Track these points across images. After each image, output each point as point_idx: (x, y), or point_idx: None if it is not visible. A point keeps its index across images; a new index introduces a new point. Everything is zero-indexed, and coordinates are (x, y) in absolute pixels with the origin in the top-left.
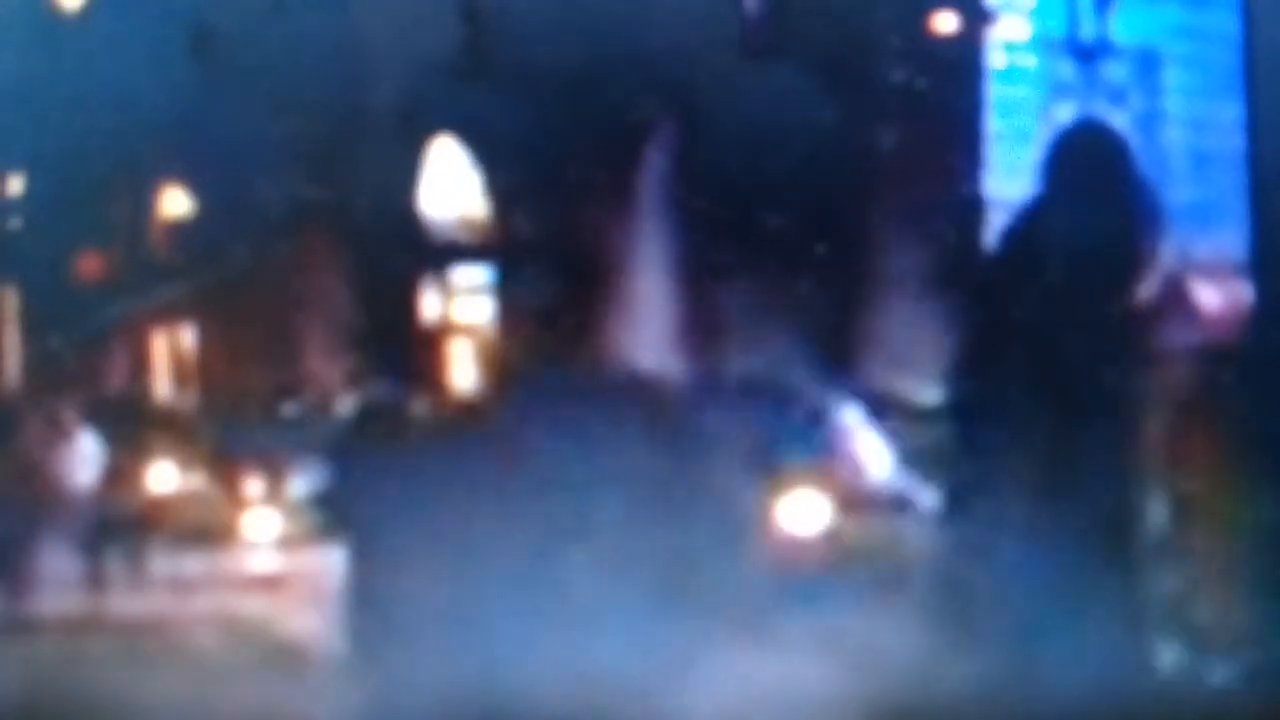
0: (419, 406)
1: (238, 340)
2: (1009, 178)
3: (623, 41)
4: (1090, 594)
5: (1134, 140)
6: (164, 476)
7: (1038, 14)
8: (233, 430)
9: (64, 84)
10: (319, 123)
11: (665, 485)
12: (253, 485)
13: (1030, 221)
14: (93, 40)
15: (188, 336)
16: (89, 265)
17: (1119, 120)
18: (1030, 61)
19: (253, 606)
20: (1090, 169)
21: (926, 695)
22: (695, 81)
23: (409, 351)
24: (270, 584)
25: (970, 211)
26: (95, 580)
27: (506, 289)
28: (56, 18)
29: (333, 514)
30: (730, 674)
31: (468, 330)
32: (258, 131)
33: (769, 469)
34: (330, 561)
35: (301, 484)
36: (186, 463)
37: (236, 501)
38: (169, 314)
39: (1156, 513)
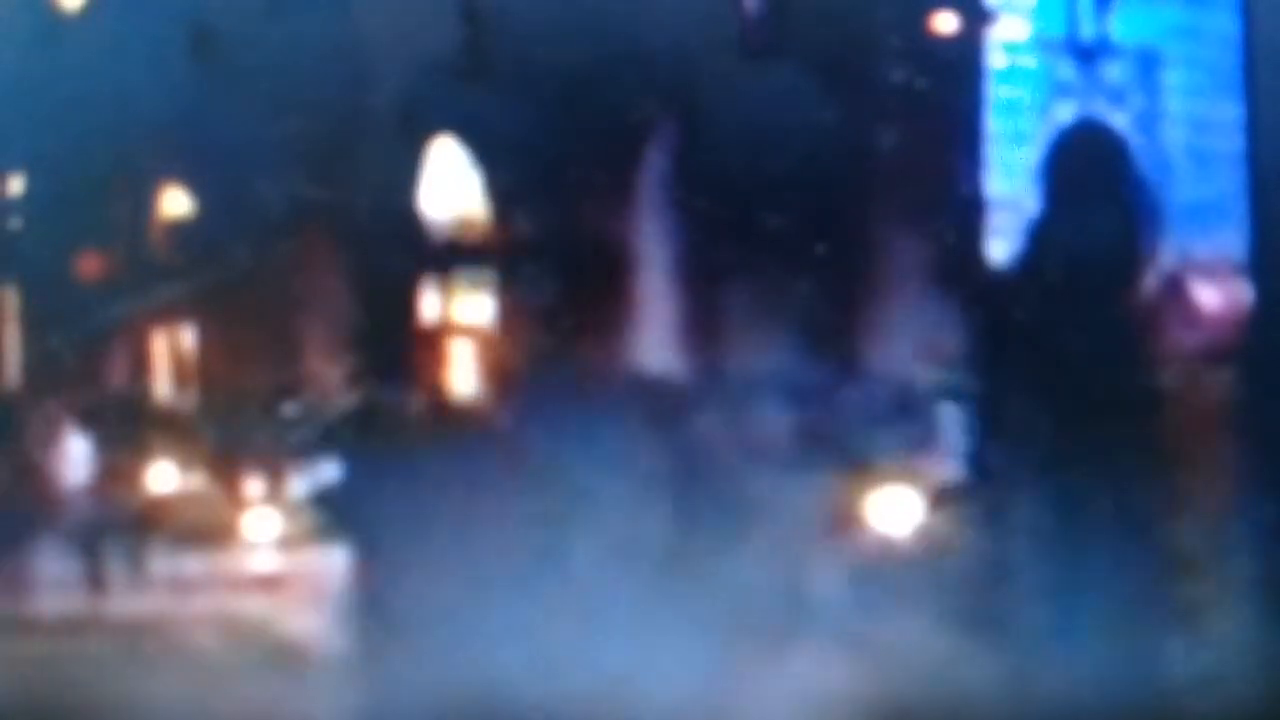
0: (418, 406)
1: (238, 340)
2: (1009, 178)
3: (623, 41)
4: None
5: (1134, 140)
6: (164, 476)
7: (1038, 14)
8: (233, 430)
9: (64, 84)
10: (319, 123)
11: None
12: (253, 485)
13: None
14: (93, 40)
15: (188, 336)
16: (89, 265)
17: (1119, 120)
18: (1030, 62)
19: (253, 606)
20: (1090, 169)
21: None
22: (695, 81)
23: (409, 351)
24: (270, 584)
25: (970, 211)
26: (95, 580)
27: (506, 289)
28: (56, 18)
29: (333, 514)
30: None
31: (468, 330)
32: (258, 131)
33: (857, 464)
34: (330, 561)
35: (302, 484)
36: (186, 463)
37: (236, 501)
38: (169, 314)
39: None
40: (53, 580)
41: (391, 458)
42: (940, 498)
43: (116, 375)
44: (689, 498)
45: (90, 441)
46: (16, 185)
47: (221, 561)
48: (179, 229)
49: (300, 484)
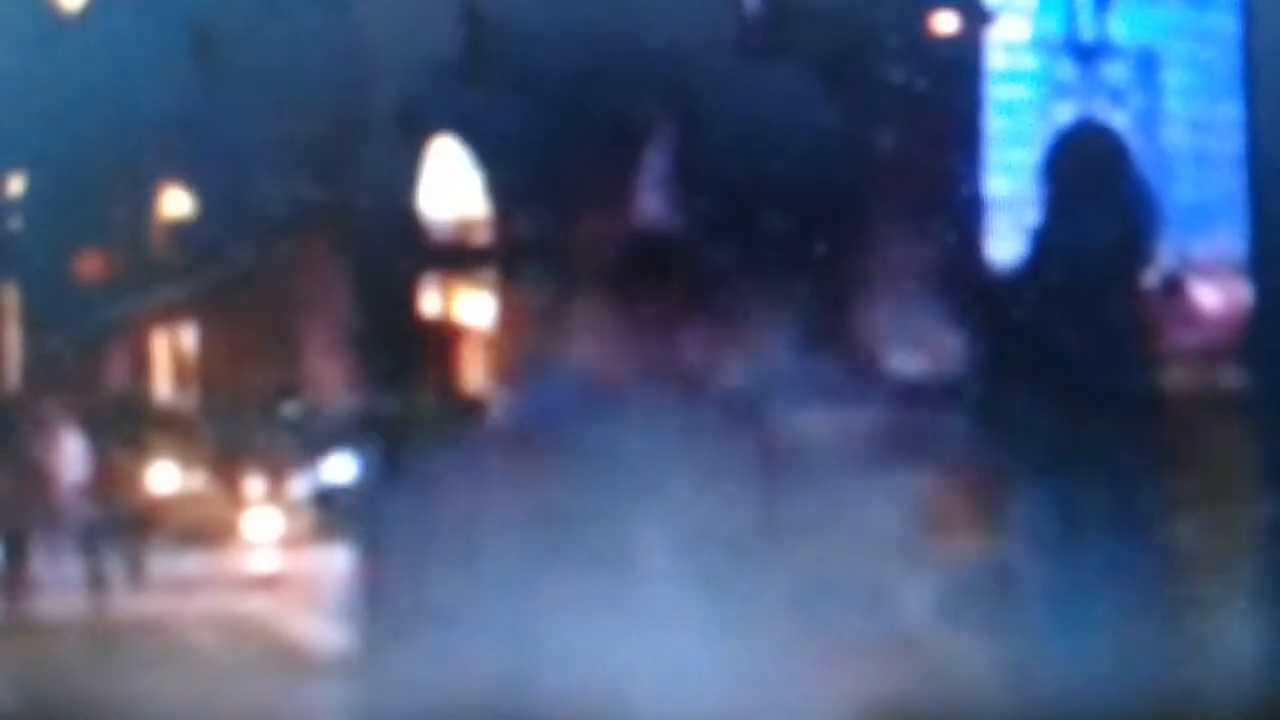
0: (418, 406)
1: (238, 340)
2: (1009, 178)
3: (622, 42)
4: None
5: (1134, 140)
6: (164, 476)
7: (1038, 14)
8: (233, 430)
9: (64, 84)
10: (319, 123)
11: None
12: (253, 485)
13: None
14: (93, 40)
15: (188, 336)
16: (89, 265)
17: (1119, 120)
18: (1030, 62)
19: (253, 606)
20: (1090, 169)
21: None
22: (695, 81)
23: (409, 352)
24: (270, 584)
25: (970, 211)
26: (95, 580)
27: (506, 289)
28: (56, 18)
29: (333, 514)
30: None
31: (468, 330)
32: (258, 131)
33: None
34: (331, 561)
35: (302, 484)
36: (186, 463)
37: (236, 501)
38: (169, 314)
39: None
40: (53, 580)
41: (392, 457)
42: (940, 497)
43: (116, 375)
44: (734, 500)
45: (90, 442)
46: (17, 185)
47: (221, 561)
48: (179, 229)
49: (300, 484)
